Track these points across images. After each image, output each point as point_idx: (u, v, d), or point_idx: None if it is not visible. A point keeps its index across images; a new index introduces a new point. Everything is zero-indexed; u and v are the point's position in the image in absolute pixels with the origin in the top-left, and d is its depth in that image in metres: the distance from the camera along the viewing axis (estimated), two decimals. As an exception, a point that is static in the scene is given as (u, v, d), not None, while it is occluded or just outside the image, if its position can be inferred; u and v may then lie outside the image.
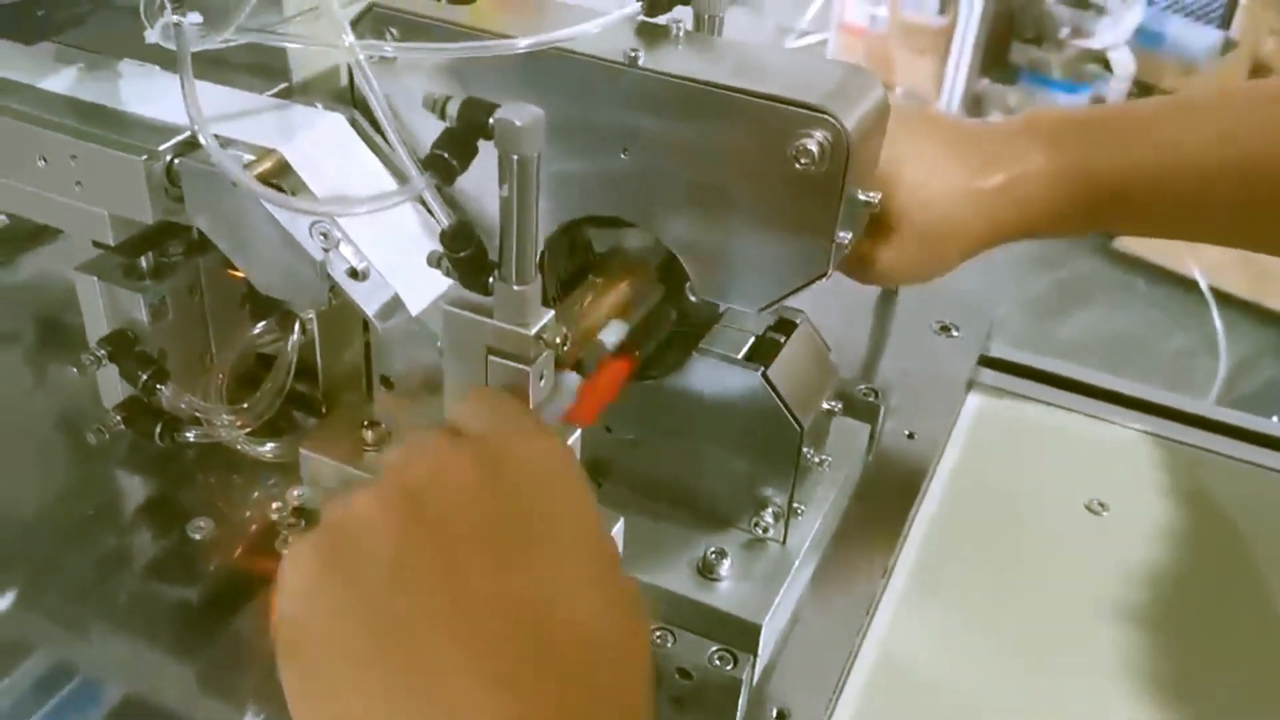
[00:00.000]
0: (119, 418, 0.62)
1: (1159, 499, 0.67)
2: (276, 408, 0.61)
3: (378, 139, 0.52)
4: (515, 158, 0.40)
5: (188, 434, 0.62)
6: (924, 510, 0.65)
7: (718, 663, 0.52)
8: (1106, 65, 2.69)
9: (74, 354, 0.61)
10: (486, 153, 0.41)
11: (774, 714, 0.53)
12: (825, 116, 0.46)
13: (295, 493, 0.60)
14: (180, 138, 0.50)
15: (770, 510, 0.57)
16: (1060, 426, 0.72)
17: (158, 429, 0.62)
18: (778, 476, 0.56)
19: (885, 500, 0.64)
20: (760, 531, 0.57)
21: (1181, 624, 0.59)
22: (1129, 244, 2.33)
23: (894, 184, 0.58)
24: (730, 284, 0.52)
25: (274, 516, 0.60)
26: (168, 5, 0.48)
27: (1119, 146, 0.60)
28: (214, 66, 0.51)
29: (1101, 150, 0.60)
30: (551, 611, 0.35)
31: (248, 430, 0.61)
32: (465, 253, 0.43)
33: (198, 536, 0.59)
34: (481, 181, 0.44)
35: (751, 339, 0.56)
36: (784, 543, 0.57)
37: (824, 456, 0.57)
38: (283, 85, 0.55)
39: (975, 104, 2.78)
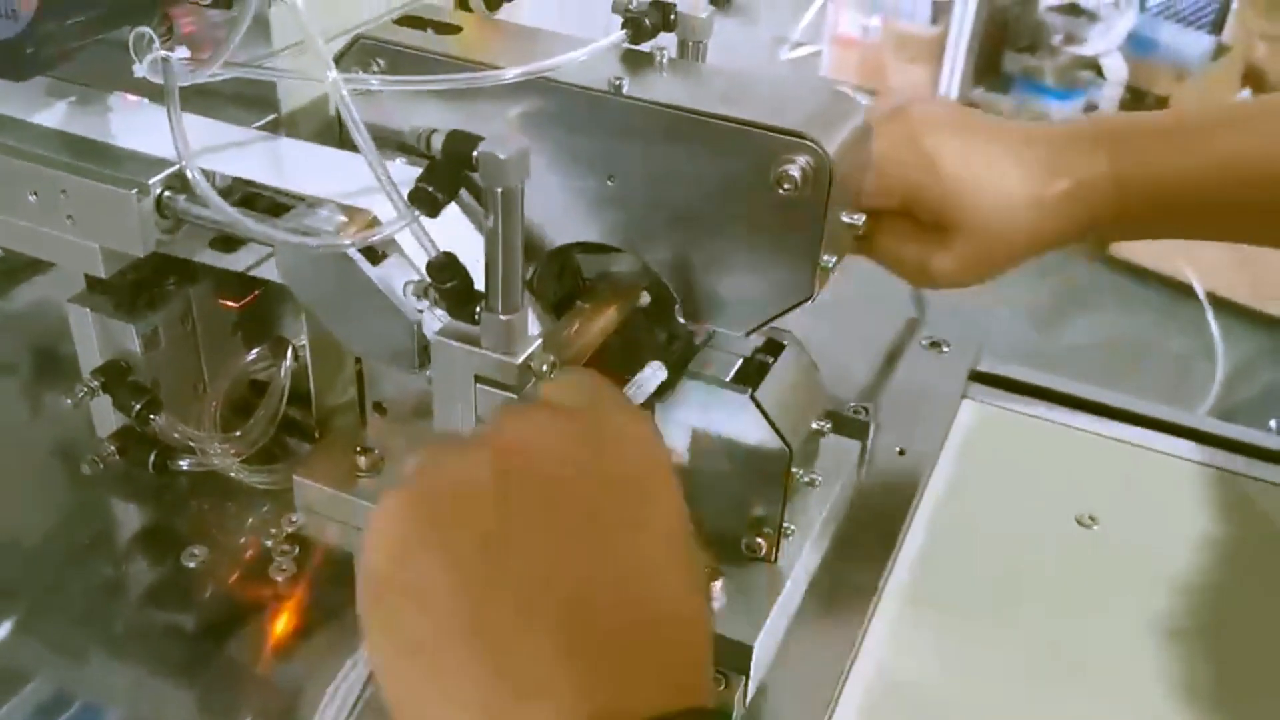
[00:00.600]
0: (113, 447, 0.63)
1: (1150, 512, 0.67)
2: (270, 435, 0.62)
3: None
4: (499, 190, 0.41)
5: (182, 463, 0.63)
6: (915, 527, 0.65)
7: (710, 684, 0.52)
8: (1099, 72, 2.70)
9: (70, 383, 0.61)
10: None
11: (767, 734, 0.53)
12: (807, 142, 0.46)
13: (289, 519, 0.61)
14: (170, 171, 0.50)
15: (761, 531, 0.57)
16: (1050, 440, 0.72)
17: (152, 458, 0.62)
18: (768, 497, 0.56)
19: (877, 517, 0.64)
20: (751, 552, 0.57)
21: (1174, 636, 0.59)
22: (1125, 250, 2.33)
23: (956, 189, 0.59)
24: (716, 308, 0.52)
25: (268, 543, 0.60)
26: (155, 40, 0.49)
27: (1182, 154, 0.61)
28: (203, 97, 0.51)
29: (1166, 158, 0.61)
30: (643, 590, 0.36)
31: (241, 458, 0.61)
32: (451, 284, 0.44)
33: (193, 564, 0.59)
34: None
35: (740, 361, 0.56)
36: (775, 562, 0.57)
37: (814, 475, 0.57)
38: (271, 116, 0.56)
39: (969, 112, 2.78)
